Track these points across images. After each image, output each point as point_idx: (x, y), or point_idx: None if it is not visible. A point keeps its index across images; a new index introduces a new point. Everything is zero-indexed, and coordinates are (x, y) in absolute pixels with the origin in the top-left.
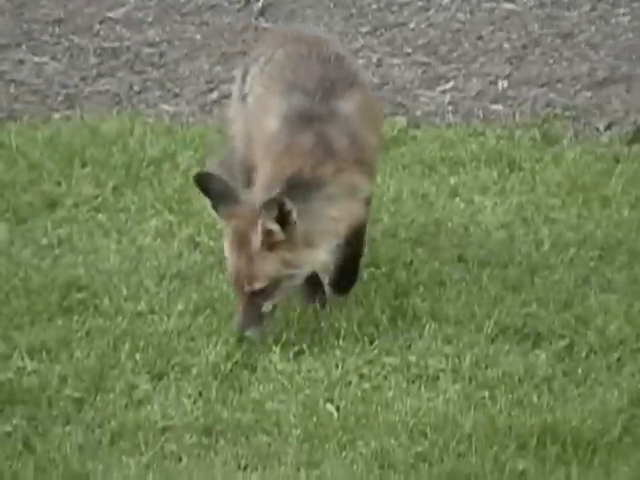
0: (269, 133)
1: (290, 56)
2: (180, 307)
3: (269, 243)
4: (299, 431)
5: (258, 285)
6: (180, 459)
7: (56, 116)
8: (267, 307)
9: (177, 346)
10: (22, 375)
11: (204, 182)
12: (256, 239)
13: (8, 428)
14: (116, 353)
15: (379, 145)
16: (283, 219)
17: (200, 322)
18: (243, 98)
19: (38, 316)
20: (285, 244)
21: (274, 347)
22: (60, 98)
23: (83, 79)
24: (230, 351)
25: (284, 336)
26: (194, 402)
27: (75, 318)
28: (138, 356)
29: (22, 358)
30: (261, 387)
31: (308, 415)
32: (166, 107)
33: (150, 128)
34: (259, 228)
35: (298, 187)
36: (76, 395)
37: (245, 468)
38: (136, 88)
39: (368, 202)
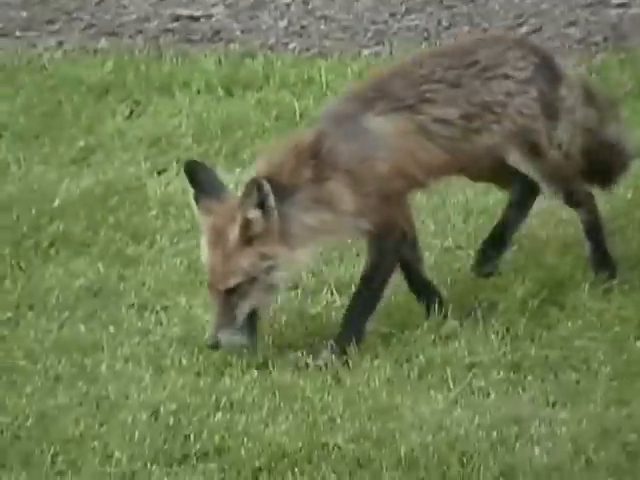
0: None
1: None
2: None
3: (247, 236)
4: (608, 368)
5: (233, 281)
6: (488, 395)
7: (365, 52)
8: (243, 309)
9: (484, 282)
10: (330, 309)
11: (193, 170)
12: (233, 233)
13: (319, 362)
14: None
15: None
16: (262, 205)
17: (508, 258)
18: None
19: (347, 252)
20: (262, 237)
21: (583, 284)
22: (369, 34)
23: (392, 15)
24: (538, 287)
25: (592, 274)
26: (501, 338)
27: None
28: (444, 292)
29: (331, 293)
30: (569, 324)
31: (617, 352)
32: None
33: None
34: (238, 218)
35: (273, 186)
36: (384, 330)
37: (553, 405)
38: (445, 23)
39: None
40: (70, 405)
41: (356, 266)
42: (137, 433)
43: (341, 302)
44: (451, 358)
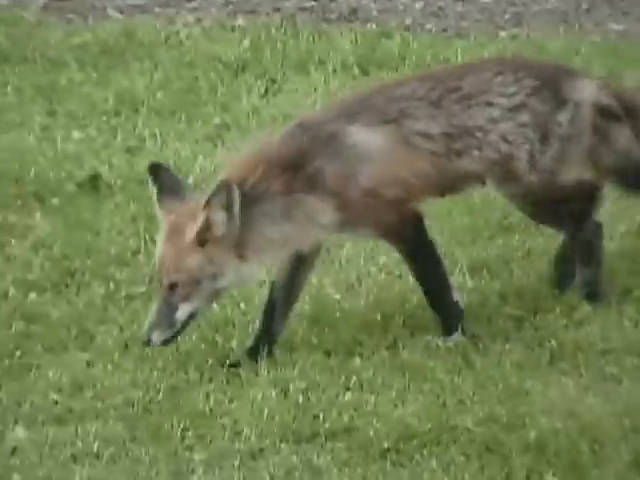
0: None
1: None
2: (621, 229)
3: (203, 237)
4: None
5: (176, 277)
6: (620, 382)
7: (502, 34)
8: (183, 312)
9: (618, 267)
10: (463, 291)
11: (156, 172)
12: (191, 230)
13: (450, 344)
14: (556, 272)
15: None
16: (227, 208)
17: None
18: None
19: (479, 234)
20: (218, 242)
21: None
22: (507, 16)
23: None
24: None
25: None
26: (635, 325)
27: (516, 237)
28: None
29: (463, 274)
30: None
31: None
32: (614, 26)
33: (596, 47)
34: (200, 218)
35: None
36: (516, 313)
37: None
38: (584, 6)
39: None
40: (201, 380)
41: (489, 248)
42: (266, 410)
43: (473, 284)
44: (583, 344)
